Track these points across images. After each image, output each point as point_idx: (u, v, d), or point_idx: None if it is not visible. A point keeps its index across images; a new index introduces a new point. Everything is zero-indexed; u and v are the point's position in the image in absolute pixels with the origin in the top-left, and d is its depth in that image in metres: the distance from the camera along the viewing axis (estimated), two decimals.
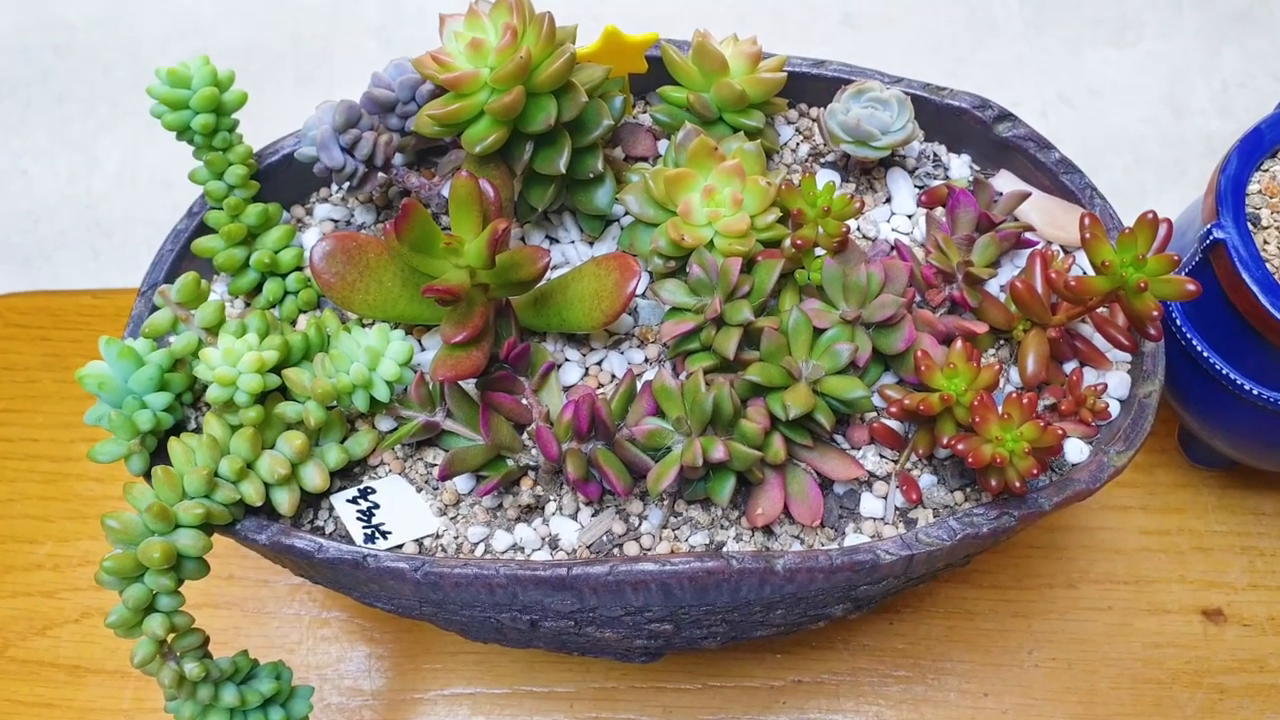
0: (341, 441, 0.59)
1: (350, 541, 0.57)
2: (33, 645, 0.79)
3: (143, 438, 0.57)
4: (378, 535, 0.57)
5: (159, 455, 0.58)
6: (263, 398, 0.56)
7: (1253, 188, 0.68)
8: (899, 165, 0.69)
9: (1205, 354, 0.68)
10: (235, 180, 0.63)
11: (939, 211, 0.65)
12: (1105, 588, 0.79)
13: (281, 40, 1.17)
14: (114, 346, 0.55)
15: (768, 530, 0.58)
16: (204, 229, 0.65)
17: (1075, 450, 0.59)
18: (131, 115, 1.13)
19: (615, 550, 0.57)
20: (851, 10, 1.18)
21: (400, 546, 0.58)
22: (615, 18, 0.66)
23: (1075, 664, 0.77)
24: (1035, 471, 0.53)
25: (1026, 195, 0.65)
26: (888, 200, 0.68)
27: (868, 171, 0.69)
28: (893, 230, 0.66)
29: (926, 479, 0.59)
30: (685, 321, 0.57)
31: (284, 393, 0.58)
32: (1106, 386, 0.60)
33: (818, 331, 0.57)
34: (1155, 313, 0.54)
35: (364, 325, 0.62)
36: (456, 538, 0.58)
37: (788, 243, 0.59)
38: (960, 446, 0.53)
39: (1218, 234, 0.64)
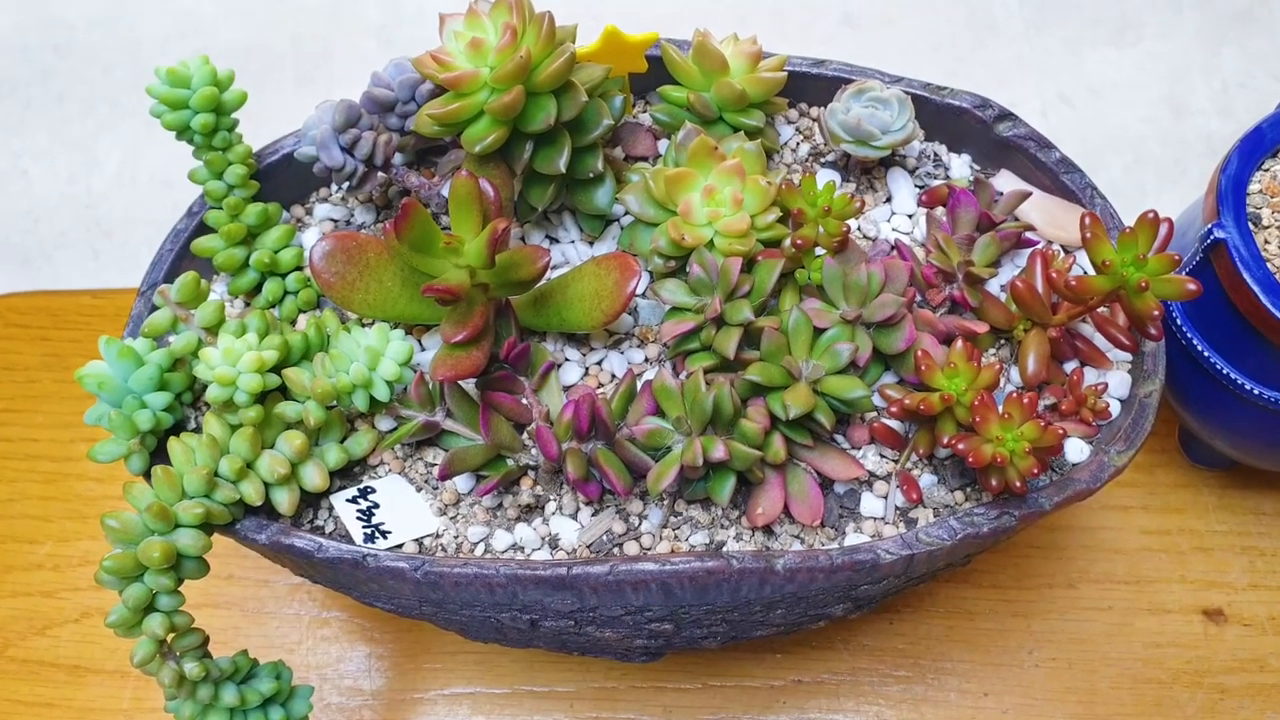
0: (341, 441, 0.59)
1: (350, 541, 0.57)
2: (33, 645, 0.79)
3: (142, 437, 0.57)
4: (377, 535, 0.57)
5: (159, 455, 0.58)
6: (262, 397, 0.56)
7: (1253, 187, 0.68)
8: (899, 165, 0.69)
9: (1206, 354, 0.68)
10: (235, 180, 0.63)
11: (939, 211, 0.65)
12: (1105, 587, 0.79)
13: (281, 40, 1.17)
14: (114, 346, 0.55)
15: (768, 530, 0.58)
16: (204, 229, 0.65)
17: (1076, 450, 0.59)
18: (131, 115, 1.13)
19: (615, 550, 0.57)
20: (851, 10, 1.18)
21: (400, 546, 0.58)
22: (615, 17, 0.66)
23: (1075, 664, 0.77)
24: (1036, 471, 0.53)
25: (1027, 195, 0.65)
26: (888, 200, 0.68)
27: (868, 171, 0.69)
28: (893, 230, 0.66)
29: (927, 479, 0.59)
30: (685, 321, 0.57)
31: (284, 392, 0.58)
32: (1107, 386, 0.60)
33: (818, 331, 0.57)
34: (1156, 312, 0.54)
35: (364, 325, 0.62)
36: (456, 537, 0.58)
37: (788, 242, 0.59)
38: (961, 446, 0.53)
39: (1218, 233, 0.64)
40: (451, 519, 0.59)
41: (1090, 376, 0.61)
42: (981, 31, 1.17)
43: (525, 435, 0.58)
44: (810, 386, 0.55)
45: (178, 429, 0.59)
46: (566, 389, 0.61)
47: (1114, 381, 0.61)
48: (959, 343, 0.56)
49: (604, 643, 0.62)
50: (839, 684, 0.76)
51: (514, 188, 0.61)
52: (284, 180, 0.67)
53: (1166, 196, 1.06)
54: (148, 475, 0.57)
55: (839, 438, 0.60)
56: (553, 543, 0.58)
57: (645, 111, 0.71)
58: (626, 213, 0.64)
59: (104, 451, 0.56)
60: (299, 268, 0.65)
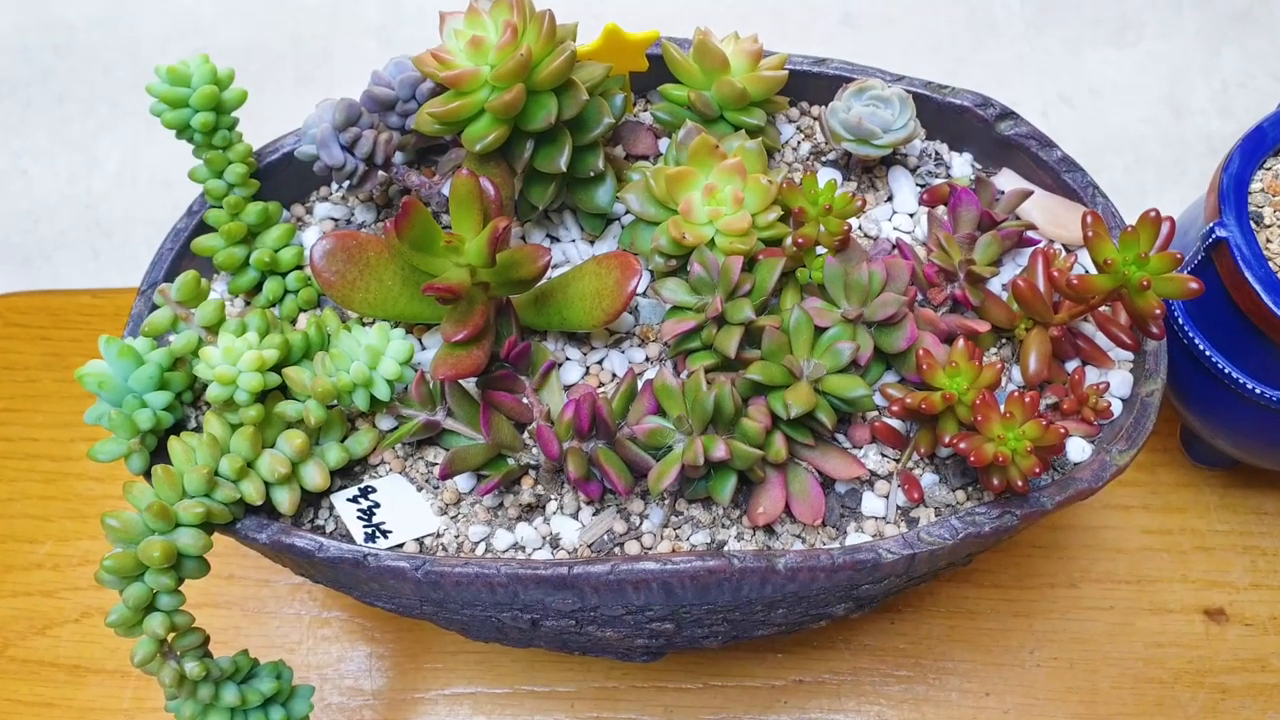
0: (342, 440, 0.59)
1: (351, 540, 0.57)
2: (33, 645, 0.79)
3: (143, 437, 0.56)
4: (378, 534, 0.57)
5: (159, 454, 0.58)
6: (263, 396, 0.56)
7: (1255, 186, 0.68)
8: (900, 163, 0.69)
9: (1207, 353, 0.68)
10: (235, 178, 0.63)
11: (941, 210, 0.65)
12: (1107, 587, 0.79)
13: (281, 40, 1.17)
14: (114, 345, 0.55)
15: (769, 529, 0.58)
16: (204, 228, 0.65)
17: (1077, 449, 0.59)
18: (131, 115, 1.13)
19: (616, 549, 0.57)
20: (851, 10, 1.18)
21: (401, 545, 0.58)
22: (616, 16, 0.66)
23: (1077, 663, 0.77)
24: (1037, 470, 0.53)
25: (1028, 194, 0.64)
26: (889, 199, 0.68)
27: (869, 170, 0.69)
28: (894, 229, 0.66)
29: (928, 478, 0.59)
30: (686, 320, 0.57)
31: (284, 391, 0.58)
32: (1109, 385, 0.60)
33: (819, 330, 0.57)
34: (1158, 311, 0.54)
35: (364, 324, 0.62)
36: (457, 537, 0.58)
37: (789, 241, 0.59)
38: (962, 445, 0.53)
39: (1220, 232, 0.64)
40: (452, 518, 0.58)
41: (1092, 375, 0.61)
42: (981, 31, 1.17)
43: (526, 434, 0.58)
44: (811, 385, 0.55)
45: (178, 428, 0.59)
46: (567, 388, 0.61)
47: (1116, 380, 0.61)
48: (960, 342, 0.56)
49: (605, 642, 0.62)
50: (840, 684, 0.76)
51: (514, 186, 0.61)
52: (284, 179, 0.67)
53: (1167, 196, 1.06)
54: (148, 474, 0.56)
55: (840, 437, 0.59)
56: (554, 542, 0.58)
57: (646, 110, 0.71)
58: (627, 211, 0.64)
59: (104, 451, 0.56)
60: (299, 266, 0.65)
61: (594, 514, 0.58)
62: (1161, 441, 0.84)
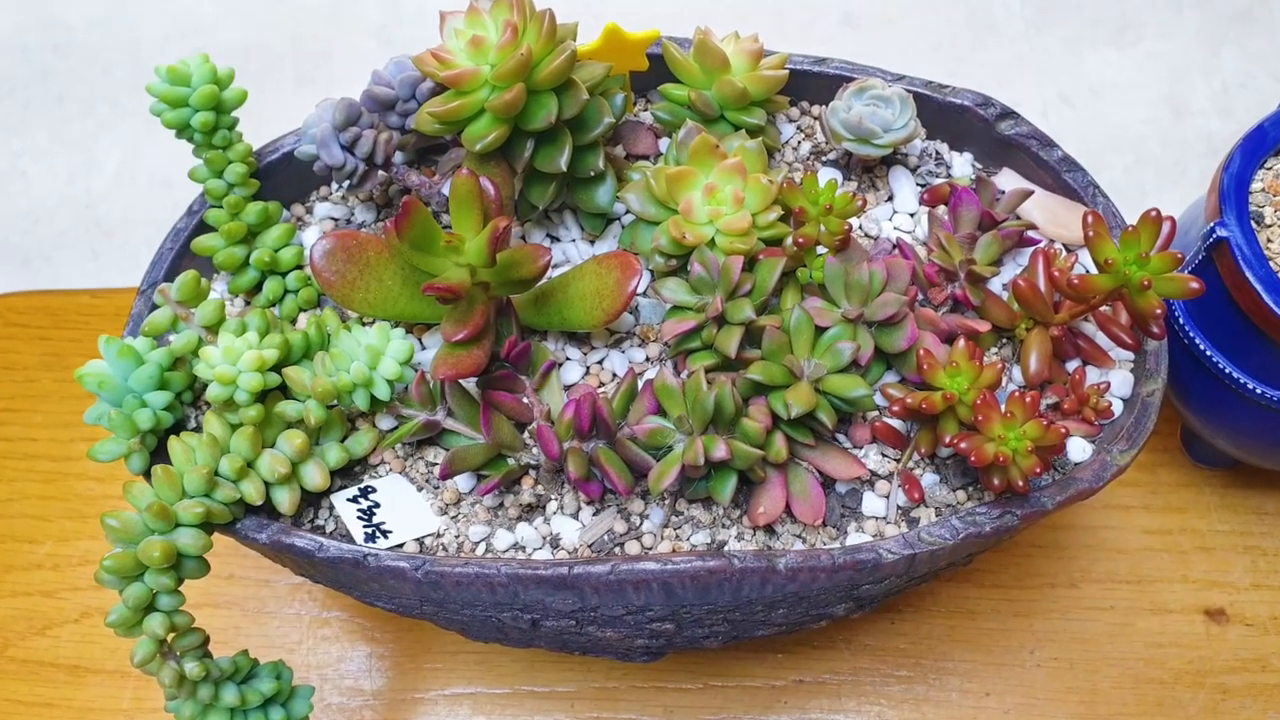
0: (342, 440, 0.59)
1: (351, 540, 0.57)
2: (32, 645, 0.79)
3: (142, 436, 0.56)
4: (378, 534, 0.57)
5: (159, 454, 0.58)
6: (263, 396, 0.56)
7: (1256, 186, 0.68)
8: (901, 163, 0.69)
9: (1208, 352, 0.68)
10: (235, 178, 0.63)
11: (941, 210, 0.65)
12: (1107, 587, 0.79)
13: (281, 40, 1.17)
14: (114, 345, 0.55)
15: (769, 529, 0.58)
16: (204, 227, 0.65)
17: (1078, 449, 0.59)
18: (131, 115, 1.13)
19: (617, 549, 0.57)
20: (851, 10, 1.18)
21: (401, 545, 0.57)
22: (616, 15, 0.66)
23: (1077, 664, 0.77)
24: (1038, 470, 0.53)
25: (1029, 193, 0.64)
26: (890, 198, 0.68)
27: (869, 169, 0.69)
28: (895, 228, 0.66)
29: (929, 478, 0.59)
30: (686, 320, 0.57)
31: (284, 391, 0.58)
32: (1109, 385, 0.60)
33: (820, 330, 0.57)
34: (1158, 311, 0.54)
35: (364, 324, 0.62)
36: (457, 537, 0.58)
37: (789, 241, 0.59)
38: (963, 445, 0.53)
39: (1221, 232, 0.64)
40: (452, 518, 0.58)
41: (1092, 375, 0.61)
42: (982, 31, 1.17)
43: (526, 434, 0.58)
44: (812, 385, 0.55)
45: (178, 428, 0.59)
46: (567, 388, 0.61)
47: (1116, 380, 0.61)
48: (961, 341, 0.56)
49: (605, 642, 0.62)
50: (840, 684, 0.76)
51: (515, 186, 0.61)
52: (284, 179, 0.67)
53: (1167, 196, 1.06)
54: (148, 474, 0.56)
55: (841, 437, 0.59)
56: (554, 542, 0.58)
57: (646, 110, 0.71)
58: (627, 211, 0.64)
59: (104, 451, 0.56)
60: (299, 266, 0.65)
61: (594, 514, 0.58)
62: (1162, 441, 0.84)
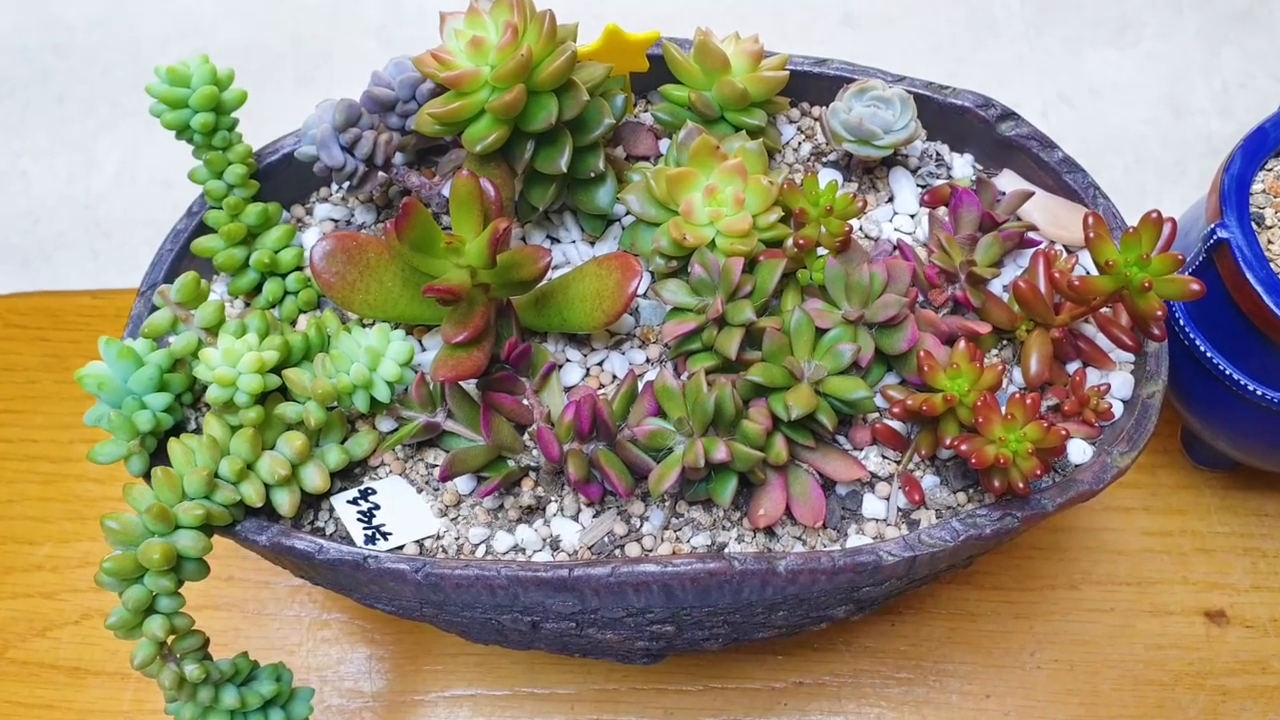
0: (342, 442, 0.59)
1: (351, 543, 0.57)
2: (32, 647, 0.79)
3: (142, 438, 0.56)
4: (378, 536, 0.57)
5: (159, 456, 0.58)
6: (263, 398, 0.56)
7: (1256, 187, 0.67)
8: (901, 164, 0.69)
9: (1209, 354, 0.68)
10: (235, 179, 0.62)
11: (942, 211, 0.65)
12: (1108, 589, 0.79)
13: (281, 40, 1.17)
14: (113, 347, 0.55)
15: (770, 531, 0.58)
16: (203, 229, 0.65)
17: (1078, 451, 0.59)
18: (131, 115, 1.12)
19: (617, 551, 0.57)
20: (851, 10, 1.18)
21: (401, 548, 0.57)
22: (616, 16, 0.66)
23: (1077, 665, 0.76)
24: (1038, 472, 0.53)
25: (1030, 194, 0.64)
26: (890, 199, 0.68)
27: (870, 171, 0.69)
28: (895, 230, 0.66)
29: (929, 480, 0.59)
30: (687, 321, 0.57)
31: (284, 393, 0.58)
32: (1110, 387, 0.60)
33: (820, 331, 0.57)
34: (1159, 313, 0.54)
35: (364, 325, 0.62)
36: (457, 539, 0.58)
37: (790, 242, 0.59)
38: (963, 447, 0.53)
39: (1221, 234, 0.64)
40: (452, 520, 0.58)
41: (1093, 377, 0.61)
42: (982, 32, 1.17)
43: (526, 436, 0.58)
44: (812, 387, 0.55)
45: (178, 430, 0.59)
46: (567, 390, 0.61)
47: (1117, 382, 0.61)
48: (961, 343, 0.56)
49: (605, 644, 0.62)
50: (841, 686, 0.76)
51: (515, 187, 0.61)
52: (284, 180, 0.67)
53: (1167, 197, 1.06)
54: (147, 476, 0.56)
55: (841, 439, 0.59)
56: (554, 544, 0.57)
57: (646, 111, 0.71)
58: (628, 212, 0.64)
59: (104, 452, 0.56)
60: (299, 268, 0.65)
61: (594, 516, 0.58)
62: (1162, 443, 0.84)
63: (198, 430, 0.60)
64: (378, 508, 0.58)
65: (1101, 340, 0.61)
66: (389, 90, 0.61)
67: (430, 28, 0.62)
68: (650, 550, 0.57)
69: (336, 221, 0.68)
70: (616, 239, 0.65)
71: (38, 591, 0.81)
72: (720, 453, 0.53)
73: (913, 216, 0.67)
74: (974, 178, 0.68)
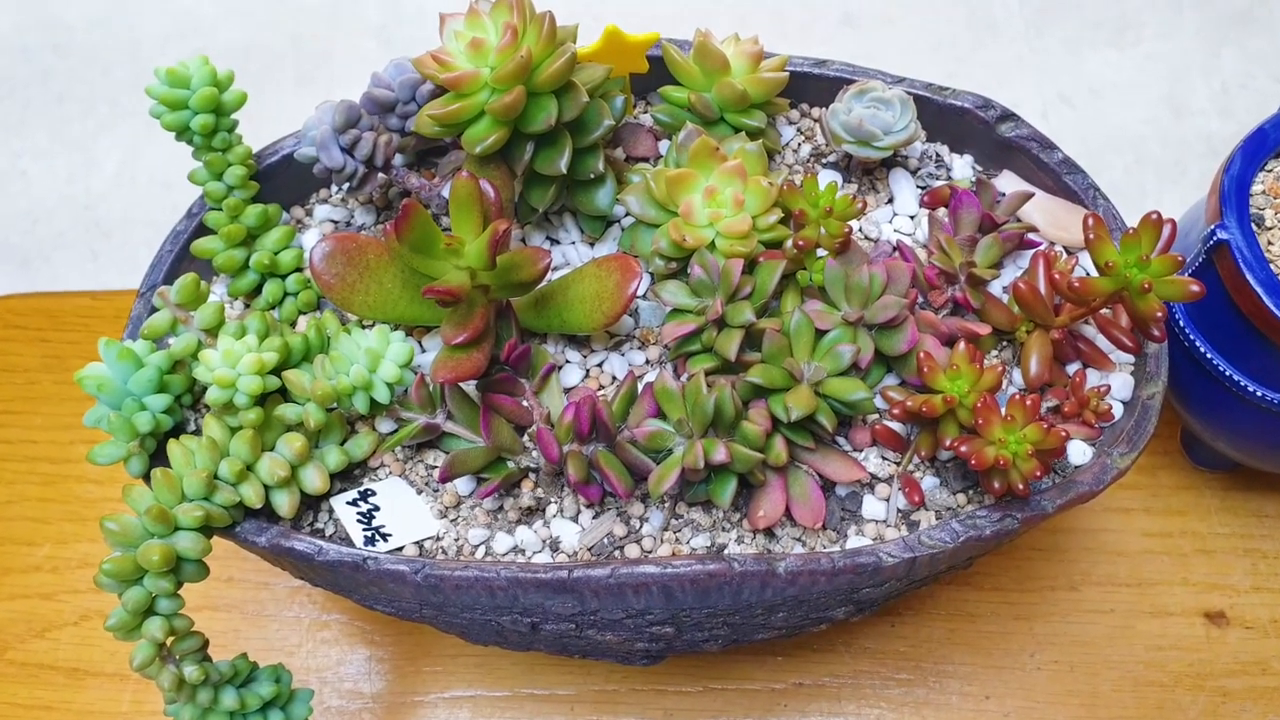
0: (341, 443, 0.59)
1: (350, 544, 0.57)
2: (32, 648, 0.79)
3: (142, 440, 0.56)
4: (378, 538, 0.57)
5: (158, 457, 0.58)
6: (262, 399, 0.56)
7: (1256, 188, 0.67)
8: (901, 165, 0.69)
9: (1208, 355, 0.68)
10: (234, 181, 0.62)
11: (941, 212, 0.65)
12: (1107, 590, 0.79)
13: (281, 40, 1.17)
14: (113, 348, 0.55)
15: (769, 533, 0.58)
16: (203, 230, 0.65)
17: (1078, 452, 0.59)
18: (131, 116, 1.12)
19: (616, 553, 0.57)
20: (851, 10, 1.18)
21: (400, 549, 0.57)
22: (616, 17, 0.66)
23: (1077, 667, 0.76)
24: (1038, 473, 0.53)
25: (1029, 196, 0.64)
26: (890, 201, 0.68)
27: (870, 172, 0.69)
28: (895, 231, 0.66)
29: (929, 481, 0.59)
30: (686, 323, 0.57)
31: (284, 394, 0.58)
32: (1109, 388, 0.60)
33: (820, 333, 0.57)
34: (1159, 314, 0.54)
35: (364, 327, 0.62)
36: (457, 540, 0.58)
37: (789, 244, 0.59)
38: (963, 448, 0.53)
39: (1221, 235, 0.64)
40: (452, 521, 0.58)
41: (1093, 378, 0.61)
42: (981, 32, 1.17)
43: (526, 437, 0.58)
44: (812, 388, 0.55)
45: (177, 431, 0.59)
46: (567, 391, 0.61)
47: (1117, 383, 0.61)
48: (961, 344, 0.56)
49: (605, 646, 0.62)
50: (840, 687, 0.76)
51: (514, 189, 0.61)
52: (284, 181, 0.67)
53: (1167, 197, 1.06)
54: (147, 478, 0.56)
55: (841, 440, 0.59)
56: (554, 545, 0.57)
57: (646, 112, 0.71)
58: (627, 214, 0.64)
59: (103, 454, 0.56)
60: (299, 269, 0.65)
61: (594, 517, 0.58)
62: (1162, 444, 0.84)
63: (197, 432, 0.60)
64: (377, 509, 0.58)
65: (1101, 341, 0.61)
66: (389, 91, 0.61)
67: (430, 28, 0.62)
68: (650, 552, 0.57)
69: (336, 223, 0.68)
70: (616, 240, 0.65)
71: (37, 592, 0.81)
72: (720, 454, 0.53)
73: (912, 218, 0.67)
74: (974, 179, 0.68)
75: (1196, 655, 0.77)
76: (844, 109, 0.65)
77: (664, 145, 0.68)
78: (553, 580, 0.54)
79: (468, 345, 0.55)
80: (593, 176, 0.61)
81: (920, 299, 0.62)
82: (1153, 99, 1.12)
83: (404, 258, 0.54)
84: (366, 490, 0.58)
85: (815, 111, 0.71)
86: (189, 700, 0.55)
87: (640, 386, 0.57)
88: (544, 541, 0.57)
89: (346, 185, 0.62)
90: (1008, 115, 0.67)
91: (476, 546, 0.58)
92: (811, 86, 0.70)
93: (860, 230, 0.66)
